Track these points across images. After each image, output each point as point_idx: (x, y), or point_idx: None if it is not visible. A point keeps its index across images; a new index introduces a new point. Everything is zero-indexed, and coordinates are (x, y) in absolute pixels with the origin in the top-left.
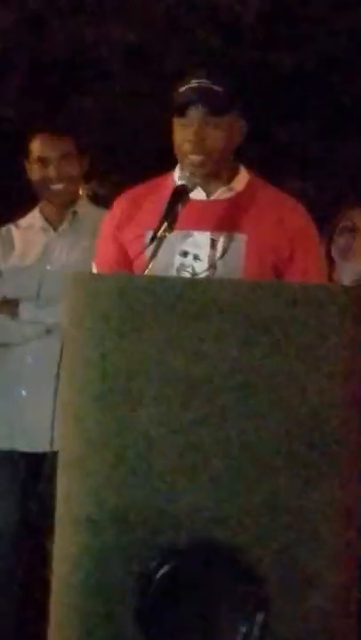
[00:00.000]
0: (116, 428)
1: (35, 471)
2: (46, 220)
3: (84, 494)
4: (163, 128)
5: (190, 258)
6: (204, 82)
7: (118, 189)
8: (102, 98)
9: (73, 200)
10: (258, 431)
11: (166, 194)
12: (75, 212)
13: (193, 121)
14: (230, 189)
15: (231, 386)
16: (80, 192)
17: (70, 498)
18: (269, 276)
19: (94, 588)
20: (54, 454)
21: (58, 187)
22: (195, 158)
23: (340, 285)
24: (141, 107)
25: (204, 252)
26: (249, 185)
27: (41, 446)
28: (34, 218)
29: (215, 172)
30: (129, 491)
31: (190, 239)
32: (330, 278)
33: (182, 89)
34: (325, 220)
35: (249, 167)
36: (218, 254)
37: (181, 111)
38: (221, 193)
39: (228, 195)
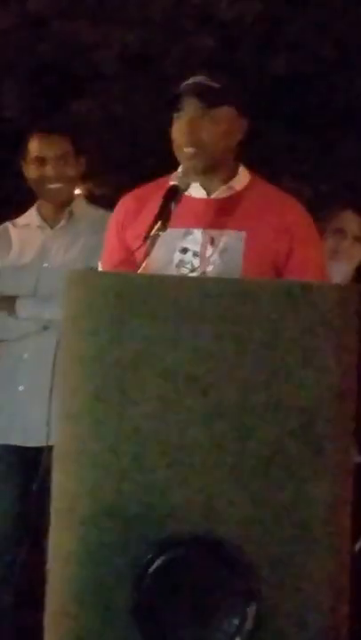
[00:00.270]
0: (110, 424)
1: (31, 466)
2: (43, 218)
3: (78, 489)
4: (160, 129)
5: (190, 254)
6: (201, 77)
7: (115, 190)
8: (100, 99)
9: (70, 199)
10: (251, 427)
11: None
12: (71, 212)
13: (188, 114)
14: (230, 188)
15: (225, 383)
16: (77, 192)
17: (65, 492)
18: (268, 274)
19: (89, 581)
20: (50, 449)
21: (55, 186)
22: (188, 150)
23: (331, 284)
24: (139, 108)
25: (204, 249)
26: (250, 184)
27: (37, 441)
28: (31, 216)
29: (212, 168)
30: (123, 485)
31: (190, 236)
32: None
33: (181, 85)
34: (320, 220)
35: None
36: (217, 251)
37: (178, 105)
38: (222, 191)
39: (228, 193)
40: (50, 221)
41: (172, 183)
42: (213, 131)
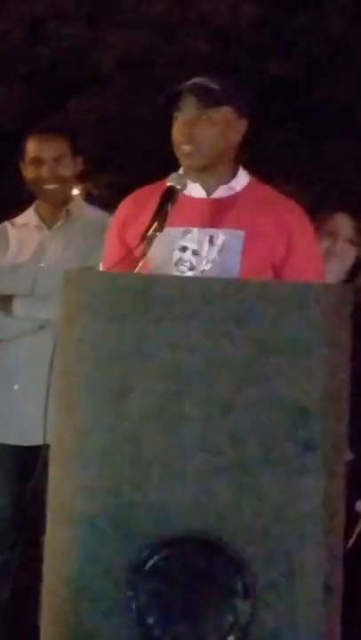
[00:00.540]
0: (106, 422)
1: (27, 465)
2: (41, 218)
3: (75, 487)
4: (156, 130)
5: (189, 253)
6: (201, 79)
7: (111, 190)
8: (97, 100)
9: (67, 200)
10: (244, 425)
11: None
12: (68, 212)
13: (186, 114)
14: (230, 188)
15: (218, 381)
16: (74, 192)
17: (61, 491)
18: (267, 273)
19: (85, 580)
20: (47, 448)
21: (51, 187)
22: (185, 148)
23: (323, 284)
24: (135, 109)
25: (203, 248)
26: (249, 185)
27: (33, 440)
28: (29, 216)
29: (208, 166)
30: (119, 483)
31: (189, 235)
32: None
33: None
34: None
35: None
36: (216, 250)
37: (176, 104)
38: (221, 192)
39: (227, 193)
40: (47, 221)
41: (168, 184)
42: (210, 130)
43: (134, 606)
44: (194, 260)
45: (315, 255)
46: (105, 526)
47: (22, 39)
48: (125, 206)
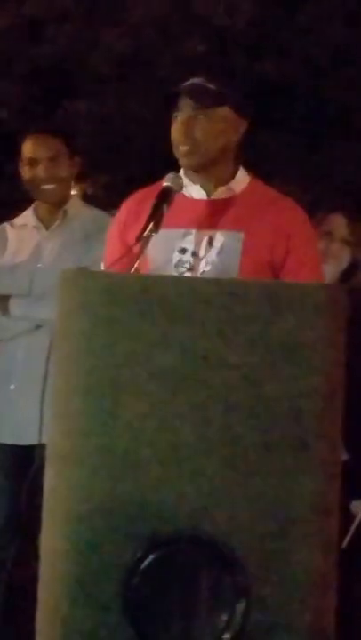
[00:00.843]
0: (102, 422)
1: (23, 464)
2: (39, 219)
3: (70, 486)
4: (154, 130)
5: (188, 254)
6: (199, 79)
7: (109, 190)
8: (94, 100)
9: (64, 200)
10: (240, 425)
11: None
12: (65, 212)
13: (184, 114)
14: (230, 190)
15: (214, 381)
16: (72, 192)
17: (57, 490)
18: (266, 274)
19: (80, 579)
20: (43, 447)
21: (47, 187)
22: (182, 148)
23: (318, 283)
24: (132, 110)
25: (202, 250)
26: (249, 186)
27: (30, 439)
28: (28, 217)
29: (206, 166)
30: (115, 483)
31: (189, 237)
32: None
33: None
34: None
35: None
36: (215, 252)
37: (175, 105)
38: (221, 193)
39: (227, 195)
40: (45, 222)
41: (164, 184)
42: (208, 130)
43: (130, 606)
44: (193, 261)
45: (313, 256)
46: (100, 526)
47: (22, 39)
48: (126, 207)
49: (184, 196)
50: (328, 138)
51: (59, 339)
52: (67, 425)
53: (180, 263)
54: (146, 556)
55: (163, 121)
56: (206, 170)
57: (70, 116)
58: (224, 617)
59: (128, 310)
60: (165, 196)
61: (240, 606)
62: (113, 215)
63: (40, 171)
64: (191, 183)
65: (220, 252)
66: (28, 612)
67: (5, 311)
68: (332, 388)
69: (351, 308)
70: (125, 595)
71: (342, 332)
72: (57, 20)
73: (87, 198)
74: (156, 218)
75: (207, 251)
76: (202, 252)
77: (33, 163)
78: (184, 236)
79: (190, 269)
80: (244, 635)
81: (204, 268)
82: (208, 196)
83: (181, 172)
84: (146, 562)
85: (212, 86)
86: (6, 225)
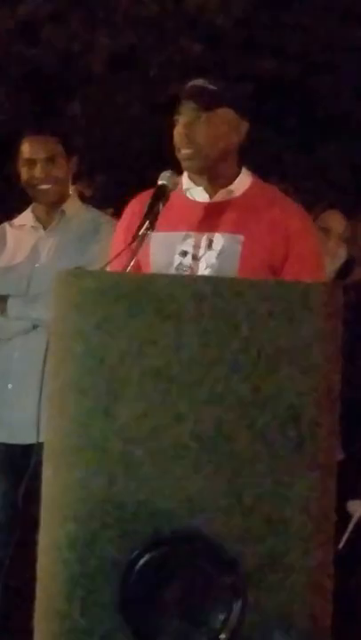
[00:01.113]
0: (98, 422)
1: (20, 463)
2: (37, 219)
3: (67, 485)
4: (148, 131)
5: (189, 257)
6: (199, 81)
7: (105, 190)
8: (90, 102)
9: (61, 200)
10: (235, 424)
11: (173, 196)
12: (63, 212)
13: (185, 117)
14: (231, 192)
15: (209, 380)
16: (70, 192)
17: (54, 489)
18: (265, 277)
19: (78, 578)
20: (40, 446)
21: (44, 187)
22: (184, 151)
23: (314, 282)
24: (127, 110)
25: (201, 252)
26: (251, 188)
27: (27, 438)
28: (26, 217)
29: (208, 169)
30: (111, 483)
31: (190, 239)
32: None
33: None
34: None
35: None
36: (214, 254)
37: (177, 109)
38: (222, 195)
39: (228, 197)
40: (43, 222)
41: (159, 183)
42: (209, 132)
43: (126, 605)
44: (194, 264)
45: (314, 258)
46: (97, 525)
47: (16, 41)
48: (130, 208)
49: (187, 198)
50: (324, 136)
51: (54, 339)
52: (63, 425)
53: (180, 266)
54: (142, 556)
55: (158, 121)
56: (209, 172)
57: (66, 117)
58: (221, 617)
59: (123, 309)
60: (160, 195)
61: (236, 606)
62: (110, 215)
63: (37, 171)
64: (194, 185)
65: (219, 255)
66: (26, 610)
67: (3, 311)
68: (328, 387)
69: (348, 306)
70: (122, 594)
71: (339, 332)
72: (51, 22)
73: (84, 198)
74: (152, 216)
75: (207, 253)
76: (201, 255)
77: (30, 163)
78: (185, 238)
79: (190, 272)
80: (241, 635)
81: (203, 270)
82: (211, 198)
83: (185, 175)
84: (142, 561)
85: (213, 87)
86: (6, 225)
